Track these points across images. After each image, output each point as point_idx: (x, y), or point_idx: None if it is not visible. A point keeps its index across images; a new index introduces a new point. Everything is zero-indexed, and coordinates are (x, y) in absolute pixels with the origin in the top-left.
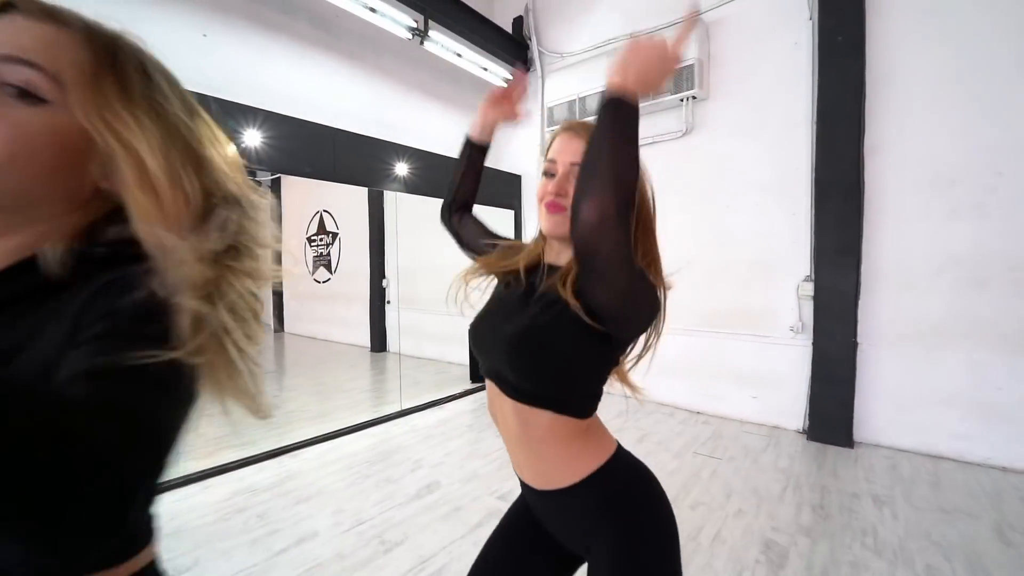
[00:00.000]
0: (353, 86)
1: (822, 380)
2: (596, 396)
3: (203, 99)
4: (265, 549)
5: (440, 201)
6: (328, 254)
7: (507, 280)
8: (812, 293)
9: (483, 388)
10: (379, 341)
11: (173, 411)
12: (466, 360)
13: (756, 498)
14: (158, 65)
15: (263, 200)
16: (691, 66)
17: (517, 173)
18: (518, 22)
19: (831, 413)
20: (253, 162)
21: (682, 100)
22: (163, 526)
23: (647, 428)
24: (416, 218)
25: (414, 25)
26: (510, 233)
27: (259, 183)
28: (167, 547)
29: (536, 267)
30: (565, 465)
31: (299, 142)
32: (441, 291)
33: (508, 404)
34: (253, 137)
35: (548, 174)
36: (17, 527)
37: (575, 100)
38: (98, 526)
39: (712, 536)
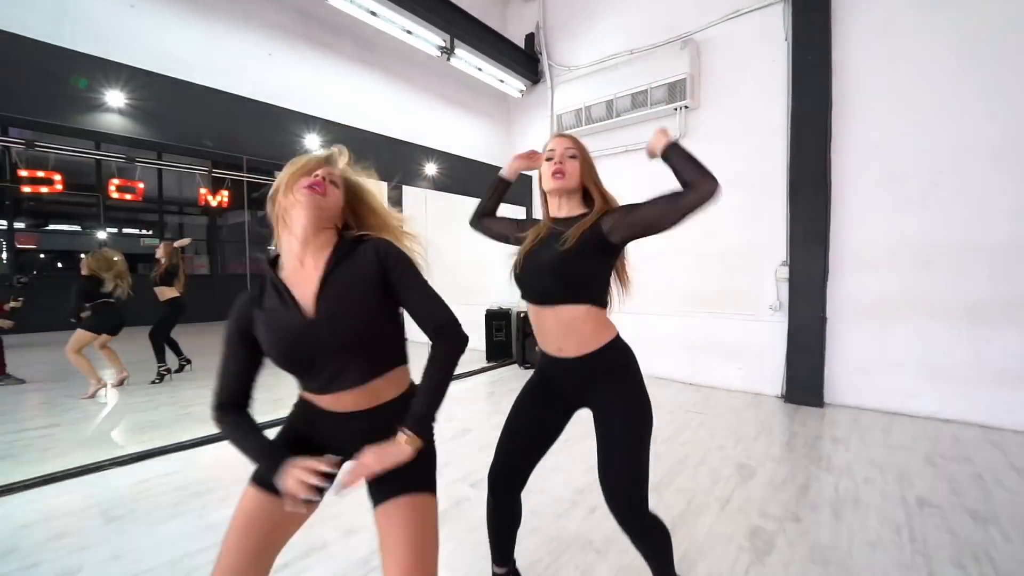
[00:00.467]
0: (389, 96)
1: (796, 350)
2: (608, 291)
3: (269, 108)
4: None
5: (461, 199)
6: None
7: (537, 235)
8: (788, 276)
9: (497, 367)
10: None
11: None
12: (482, 345)
13: (735, 439)
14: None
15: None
16: (683, 80)
17: (528, 174)
18: (530, 39)
19: (804, 379)
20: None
21: (676, 109)
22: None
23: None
24: (432, 215)
25: (443, 44)
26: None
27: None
28: None
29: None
30: (591, 339)
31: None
32: (458, 283)
33: (548, 311)
34: (312, 141)
35: (550, 159)
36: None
37: (581, 109)
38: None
39: (697, 461)
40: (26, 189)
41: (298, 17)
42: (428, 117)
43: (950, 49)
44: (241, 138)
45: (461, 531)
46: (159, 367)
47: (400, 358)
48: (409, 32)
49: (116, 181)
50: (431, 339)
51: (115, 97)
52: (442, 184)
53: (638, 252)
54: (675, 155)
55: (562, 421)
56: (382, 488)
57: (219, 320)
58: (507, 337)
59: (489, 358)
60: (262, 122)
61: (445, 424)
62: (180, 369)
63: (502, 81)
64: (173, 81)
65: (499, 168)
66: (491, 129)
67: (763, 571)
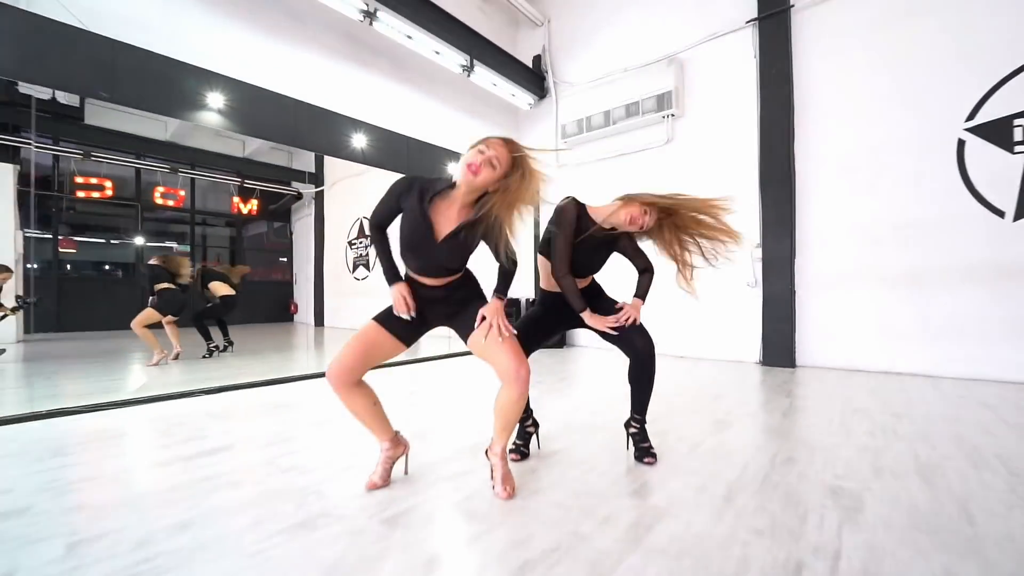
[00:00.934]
0: (418, 107)
1: (770, 320)
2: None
3: (325, 112)
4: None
5: None
6: (367, 254)
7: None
8: (761, 256)
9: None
10: None
11: None
12: None
13: (716, 385)
14: None
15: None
16: (669, 92)
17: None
18: (537, 59)
19: (778, 344)
20: (359, 160)
21: (663, 117)
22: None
23: None
24: None
25: (464, 63)
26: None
27: (300, 195)
28: None
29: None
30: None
31: (386, 146)
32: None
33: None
34: (360, 140)
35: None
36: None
37: (582, 119)
38: None
39: (682, 405)
40: (80, 194)
41: (347, 40)
42: (450, 125)
43: (886, 64)
44: (303, 135)
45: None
46: (208, 344)
47: (464, 267)
48: (437, 52)
49: (161, 188)
50: (506, 267)
51: (215, 99)
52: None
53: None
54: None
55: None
56: (470, 321)
57: (245, 323)
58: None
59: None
60: (319, 123)
61: (451, 396)
62: (224, 349)
63: (513, 95)
64: (255, 87)
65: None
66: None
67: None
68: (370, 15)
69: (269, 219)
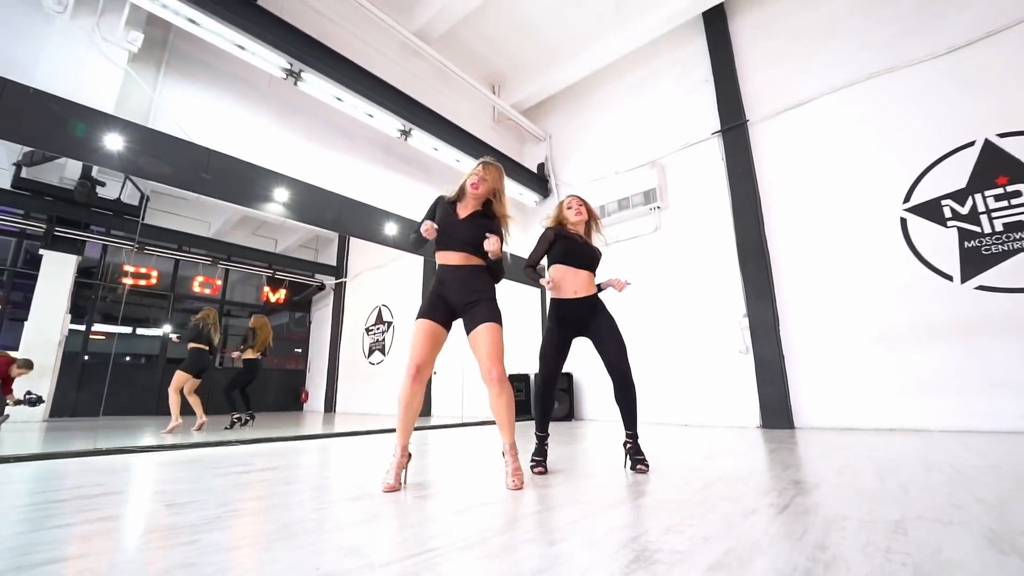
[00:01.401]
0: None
1: (764, 384)
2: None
3: (363, 205)
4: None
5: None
6: (383, 340)
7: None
8: (748, 324)
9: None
10: (426, 407)
11: None
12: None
13: (713, 444)
14: None
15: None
16: (654, 189)
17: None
18: (540, 166)
19: (774, 407)
20: (391, 245)
21: (650, 209)
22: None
23: (652, 433)
24: None
25: None
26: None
27: (323, 286)
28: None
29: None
30: (592, 288)
31: (409, 233)
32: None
33: (581, 273)
34: (391, 229)
35: (570, 208)
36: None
37: None
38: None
39: (679, 452)
40: (127, 282)
41: (385, 151)
42: None
43: (830, 160)
44: (346, 223)
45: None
46: (232, 416)
47: (482, 256)
48: (458, 160)
49: (200, 278)
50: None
51: (281, 194)
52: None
53: (635, 321)
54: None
55: (569, 343)
56: (479, 318)
57: (260, 411)
58: (526, 396)
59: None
60: (359, 214)
61: (481, 458)
62: (245, 423)
63: (521, 194)
64: (309, 184)
65: (518, 257)
66: (514, 229)
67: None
68: (405, 133)
69: (291, 309)
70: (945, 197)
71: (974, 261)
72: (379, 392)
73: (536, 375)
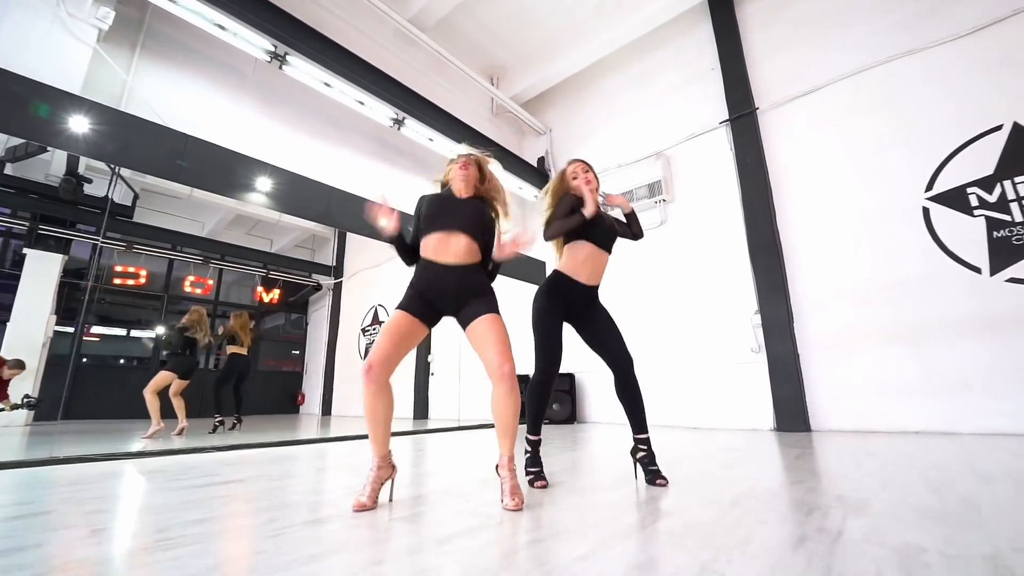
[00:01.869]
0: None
1: (778, 384)
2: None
3: (354, 197)
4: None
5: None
6: None
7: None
8: (760, 321)
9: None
10: (422, 409)
11: None
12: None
13: (739, 450)
14: None
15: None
16: (659, 181)
17: (541, 260)
18: (541, 160)
19: (789, 409)
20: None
21: (656, 203)
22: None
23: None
24: None
25: None
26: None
27: (319, 286)
28: None
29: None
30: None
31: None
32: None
33: (604, 256)
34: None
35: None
36: None
37: None
38: None
39: (693, 458)
40: (116, 281)
41: (378, 142)
42: None
43: (844, 149)
44: (334, 214)
45: None
46: (215, 419)
47: (483, 255)
48: (454, 152)
49: (191, 277)
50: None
51: (264, 183)
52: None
53: (641, 320)
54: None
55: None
56: (476, 312)
57: (250, 413)
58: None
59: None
60: (348, 205)
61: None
62: (233, 427)
63: (520, 188)
64: (295, 174)
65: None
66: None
67: None
68: (398, 122)
69: (287, 310)
70: (971, 184)
71: (1004, 252)
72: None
73: (536, 372)
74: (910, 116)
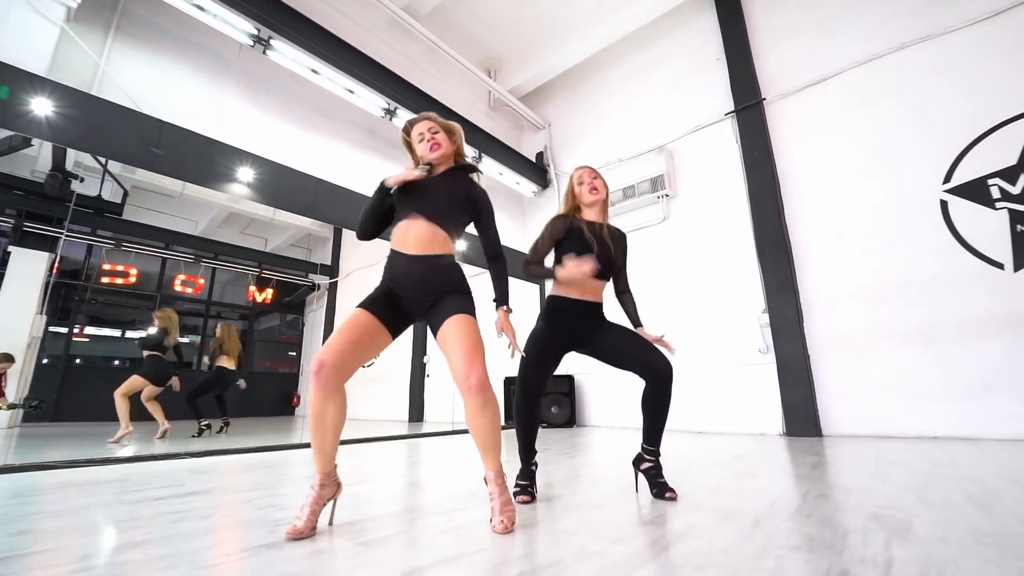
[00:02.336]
0: None
1: (788, 386)
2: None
3: (341, 189)
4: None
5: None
6: None
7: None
8: (768, 321)
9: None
10: (418, 412)
11: None
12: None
13: (749, 458)
14: None
15: None
16: (662, 176)
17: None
18: (540, 156)
19: (799, 412)
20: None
21: (659, 197)
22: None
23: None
24: None
25: (475, 155)
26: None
27: (315, 286)
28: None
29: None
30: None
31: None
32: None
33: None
34: None
35: (581, 183)
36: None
37: None
38: None
39: (701, 464)
40: (104, 280)
41: (369, 133)
42: None
43: (856, 140)
44: (321, 208)
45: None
46: (199, 423)
47: (453, 241)
48: None
49: (182, 276)
50: (489, 259)
51: (246, 173)
52: (478, 263)
53: (645, 319)
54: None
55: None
56: (444, 313)
57: (246, 415)
58: None
59: (507, 417)
60: (338, 199)
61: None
62: (221, 430)
63: (518, 183)
64: (281, 165)
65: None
66: (510, 221)
67: None
68: (390, 112)
69: (283, 311)
70: (993, 176)
71: None
72: (370, 396)
73: (516, 395)
74: (925, 105)
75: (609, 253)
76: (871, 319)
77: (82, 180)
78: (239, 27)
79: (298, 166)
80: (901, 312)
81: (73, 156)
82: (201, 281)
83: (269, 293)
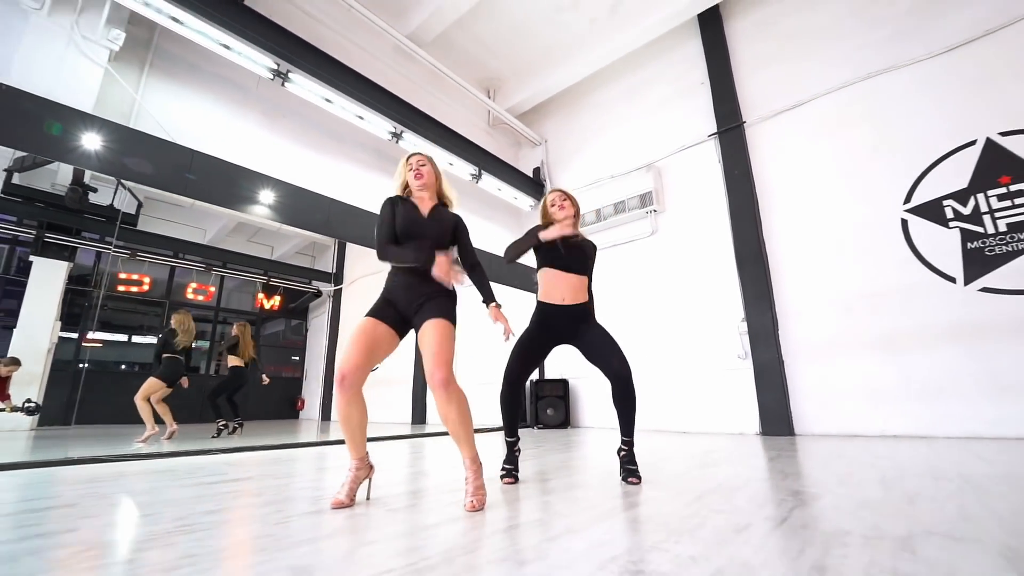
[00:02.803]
0: None
1: (764, 390)
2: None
3: (356, 209)
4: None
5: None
6: None
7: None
8: (747, 329)
9: None
10: (420, 414)
11: None
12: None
13: (719, 453)
14: None
15: None
16: (650, 192)
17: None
18: (536, 171)
19: (774, 413)
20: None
21: (647, 213)
22: None
23: (649, 440)
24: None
25: (474, 172)
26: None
27: (319, 293)
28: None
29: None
30: (583, 295)
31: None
32: (473, 365)
33: (571, 277)
34: None
35: (555, 206)
36: None
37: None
38: None
39: (673, 460)
40: (120, 289)
41: (376, 154)
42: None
43: (829, 161)
44: (334, 226)
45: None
46: (217, 423)
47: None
48: (451, 164)
49: (193, 284)
50: (470, 268)
51: (267, 196)
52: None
53: (632, 327)
54: None
55: (548, 349)
56: (425, 316)
57: (251, 419)
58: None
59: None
60: (349, 217)
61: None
62: (233, 430)
63: (516, 198)
64: (297, 187)
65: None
66: (508, 232)
67: None
68: (397, 135)
69: (287, 317)
70: (947, 197)
71: (978, 263)
72: (374, 400)
73: (503, 376)
74: (892, 130)
75: (578, 252)
76: (839, 327)
77: (96, 191)
78: (260, 62)
79: (313, 187)
80: (867, 321)
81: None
82: (212, 289)
83: (277, 300)
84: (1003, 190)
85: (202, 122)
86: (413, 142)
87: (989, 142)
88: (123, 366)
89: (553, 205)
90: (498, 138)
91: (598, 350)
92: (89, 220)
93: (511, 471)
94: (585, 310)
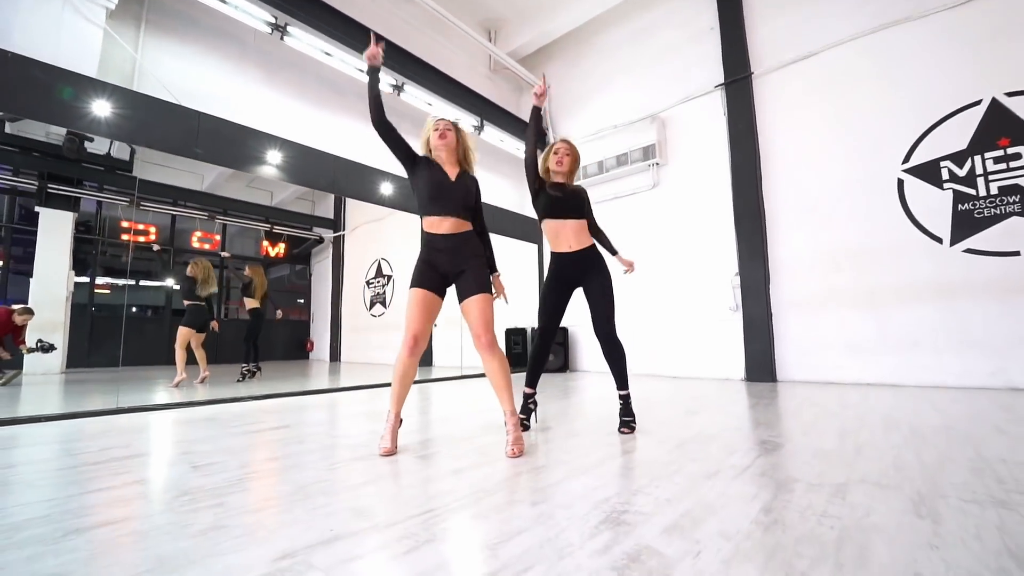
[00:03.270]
0: None
1: (751, 340)
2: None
3: (355, 164)
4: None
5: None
6: (383, 292)
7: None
8: (740, 283)
9: (514, 373)
10: (427, 357)
11: None
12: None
13: (705, 399)
14: None
15: None
16: (653, 145)
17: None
18: None
19: (759, 362)
20: (386, 204)
21: (649, 165)
22: None
23: (643, 384)
24: None
25: (476, 124)
26: (534, 261)
27: (322, 239)
28: None
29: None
30: (587, 238)
31: (409, 193)
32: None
33: (570, 223)
34: (387, 188)
35: (556, 153)
36: None
37: (580, 168)
38: None
39: (663, 405)
40: (124, 238)
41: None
42: None
43: (833, 118)
44: (340, 183)
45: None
46: (242, 368)
47: (472, 222)
48: (458, 119)
49: (199, 233)
50: (479, 235)
51: (274, 156)
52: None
53: (630, 277)
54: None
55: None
56: (469, 289)
57: (268, 360)
58: (523, 350)
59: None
60: (353, 174)
61: (478, 415)
62: (253, 374)
63: (518, 149)
64: (303, 146)
65: (517, 213)
66: (510, 184)
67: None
68: (398, 87)
69: (291, 262)
70: (945, 158)
71: (965, 224)
72: (381, 342)
73: (534, 328)
74: (898, 87)
75: (570, 199)
76: (827, 283)
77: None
78: (257, 15)
79: (317, 145)
80: (853, 278)
81: None
82: (217, 237)
83: (282, 248)
84: (1000, 152)
85: (202, 79)
86: (415, 94)
87: (994, 102)
88: (134, 308)
89: (556, 153)
90: (500, 84)
91: (594, 300)
92: (88, 169)
93: (523, 421)
94: (593, 254)
